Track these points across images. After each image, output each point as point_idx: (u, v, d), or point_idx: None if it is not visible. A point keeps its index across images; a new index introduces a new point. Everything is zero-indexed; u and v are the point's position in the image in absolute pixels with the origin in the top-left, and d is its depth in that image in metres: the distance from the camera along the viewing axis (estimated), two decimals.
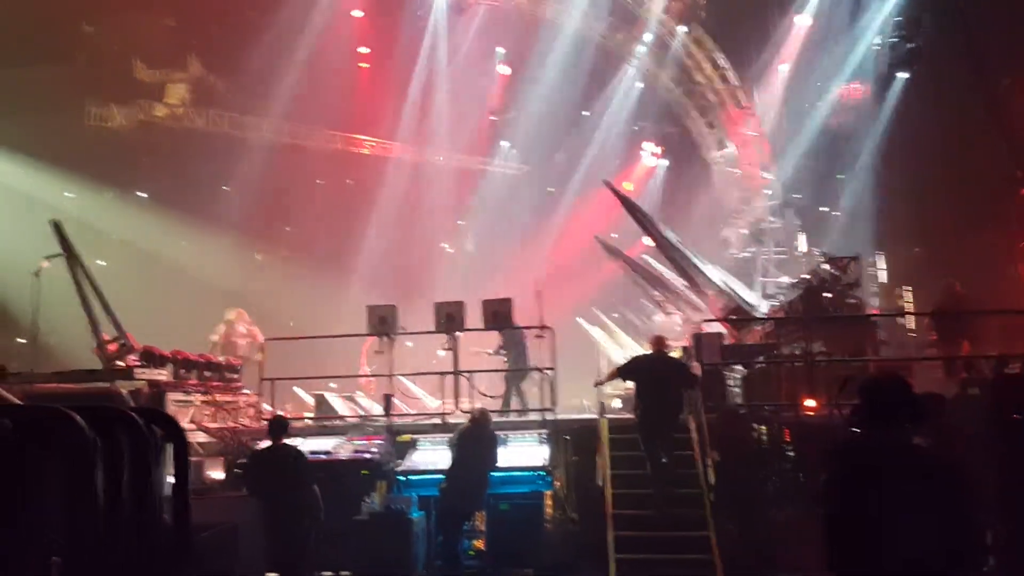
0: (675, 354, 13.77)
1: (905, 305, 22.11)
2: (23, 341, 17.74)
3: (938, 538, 3.63)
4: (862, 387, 4.04)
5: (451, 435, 10.21)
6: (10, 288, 18.43)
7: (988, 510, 7.01)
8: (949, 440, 7.20)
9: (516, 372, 14.14)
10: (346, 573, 9.75)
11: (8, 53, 21.11)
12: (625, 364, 11.49)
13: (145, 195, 26.62)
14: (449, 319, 12.91)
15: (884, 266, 25.14)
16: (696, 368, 11.09)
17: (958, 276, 18.66)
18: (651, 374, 10.45)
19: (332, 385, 16.94)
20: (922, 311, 17.05)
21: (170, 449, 3.55)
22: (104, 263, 22.50)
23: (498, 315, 12.84)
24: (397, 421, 12.32)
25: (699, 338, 12.68)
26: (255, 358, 16.42)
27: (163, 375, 12.24)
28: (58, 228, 12.40)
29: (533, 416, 12.03)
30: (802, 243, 25.55)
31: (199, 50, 24.51)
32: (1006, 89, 17.68)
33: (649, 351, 11.28)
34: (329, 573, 9.53)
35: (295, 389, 17.52)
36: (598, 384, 11.72)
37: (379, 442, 11.14)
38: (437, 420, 12.51)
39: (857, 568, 3.76)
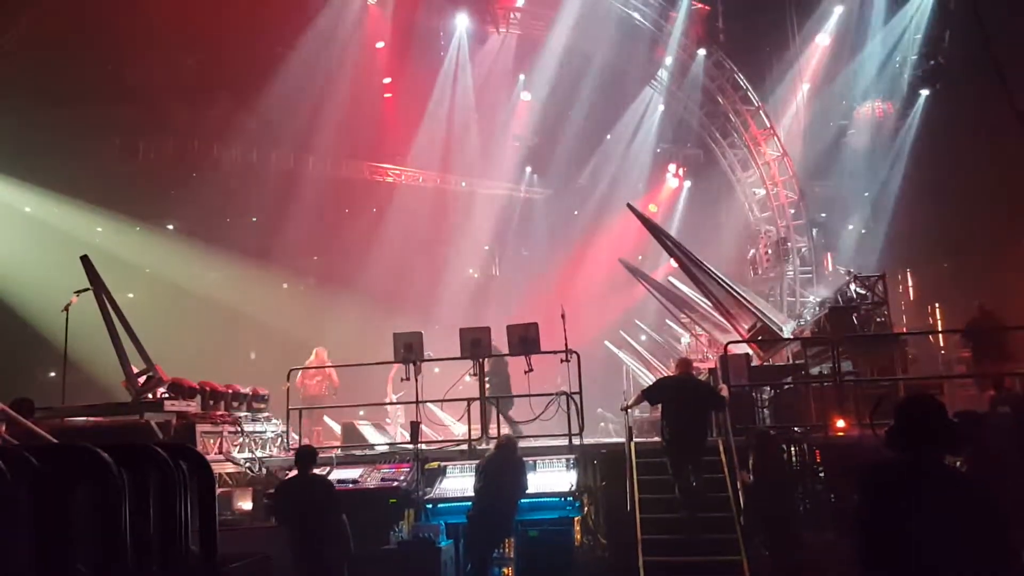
0: (702, 377, 13.71)
1: (937, 323, 21.90)
2: (53, 375, 17.99)
3: (971, 561, 3.59)
4: (898, 408, 4.01)
5: (478, 461, 10.20)
6: (41, 322, 18.72)
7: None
8: (981, 458, 7.10)
9: (496, 400, 14.12)
10: None
11: (38, 91, 21.55)
12: (650, 387, 11.43)
13: (172, 227, 26.99)
14: (475, 345, 12.91)
15: (912, 283, 24.93)
16: (723, 390, 11.01)
17: (986, 291, 18.50)
18: (678, 397, 10.38)
19: (360, 413, 16.99)
20: (952, 328, 16.86)
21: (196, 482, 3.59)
22: (133, 295, 22.82)
23: (524, 340, 12.79)
24: (424, 448, 12.31)
25: (726, 359, 12.57)
26: (331, 396, 16.60)
27: (192, 406, 12.32)
28: (87, 263, 12.57)
29: (560, 441, 11.96)
30: (828, 262, 25.40)
31: (226, 84, 24.87)
32: None
33: (675, 373, 11.22)
34: None
35: (324, 418, 17.59)
36: (625, 409, 11.64)
37: (406, 470, 11.14)
38: (464, 446, 12.49)
39: None
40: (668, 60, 26.48)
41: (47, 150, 21.82)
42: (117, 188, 24.08)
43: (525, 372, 12.98)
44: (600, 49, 26.12)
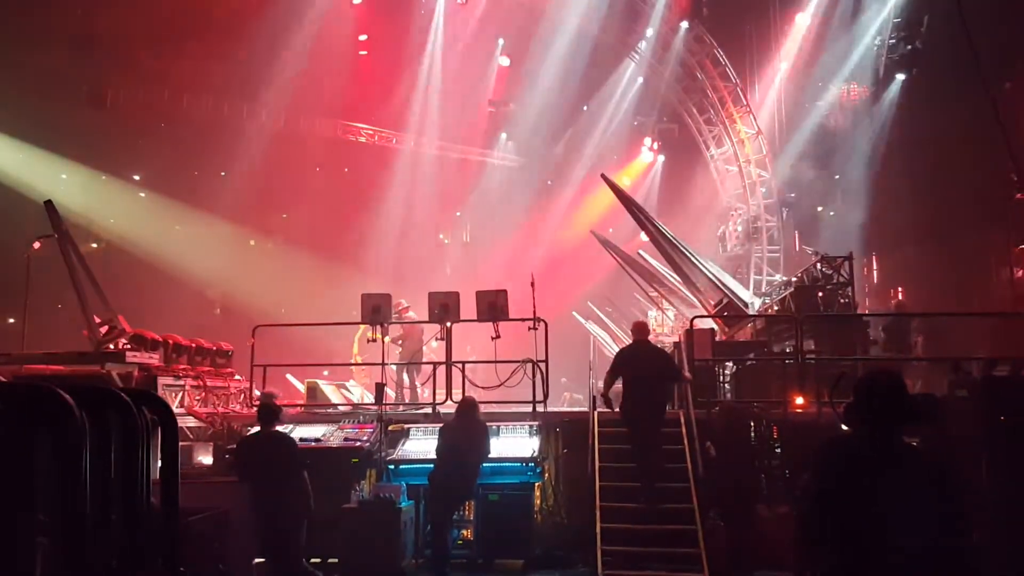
0: (667, 350, 13.77)
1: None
2: (13, 321, 17.71)
3: (925, 538, 3.63)
4: (858, 384, 4.01)
5: (442, 424, 10.21)
6: (2, 269, 18.40)
7: (977, 511, 7.04)
8: (938, 440, 7.23)
9: (408, 365, 14.77)
10: (334, 560, 9.75)
11: (7, 35, 21.02)
12: (613, 364, 11.09)
13: (138, 178, 26.57)
14: (443, 309, 12.87)
15: (877, 267, 25.21)
16: (687, 375, 10.93)
17: (950, 278, 18.75)
18: (634, 365, 10.36)
19: (325, 373, 16.94)
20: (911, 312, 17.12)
21: (160, 432, 3.54)
22: (96, 245, 22.49)
23: (493, 306, 12.77)
24: (388, 410, 12.30)
25: (691, 333, 12.64)
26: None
27: (154, 359, 12.20)
28: (51, 208, 12.33)
29: (524, 408, 11.98)
30: (796, 242, 25.60)
31: (198, 33, 24.38)
32: (1007, 92, 17.67)
33: (631, 340, 11.14)
34: (318, 560, 9.51)
35: (287, 377, 17.50)
36: (605, 395, 11.11)
37: (370, 430, 11.13)
38: (428, 410, 12.49)
39: (842, 564, 3.77)
40: (649, 32, 26.35)
41: (12, 95, 21.32)
42: (83, 136, 23.63)
43: (492, 339, 12.95)
44: (581, 17, 25.91)
